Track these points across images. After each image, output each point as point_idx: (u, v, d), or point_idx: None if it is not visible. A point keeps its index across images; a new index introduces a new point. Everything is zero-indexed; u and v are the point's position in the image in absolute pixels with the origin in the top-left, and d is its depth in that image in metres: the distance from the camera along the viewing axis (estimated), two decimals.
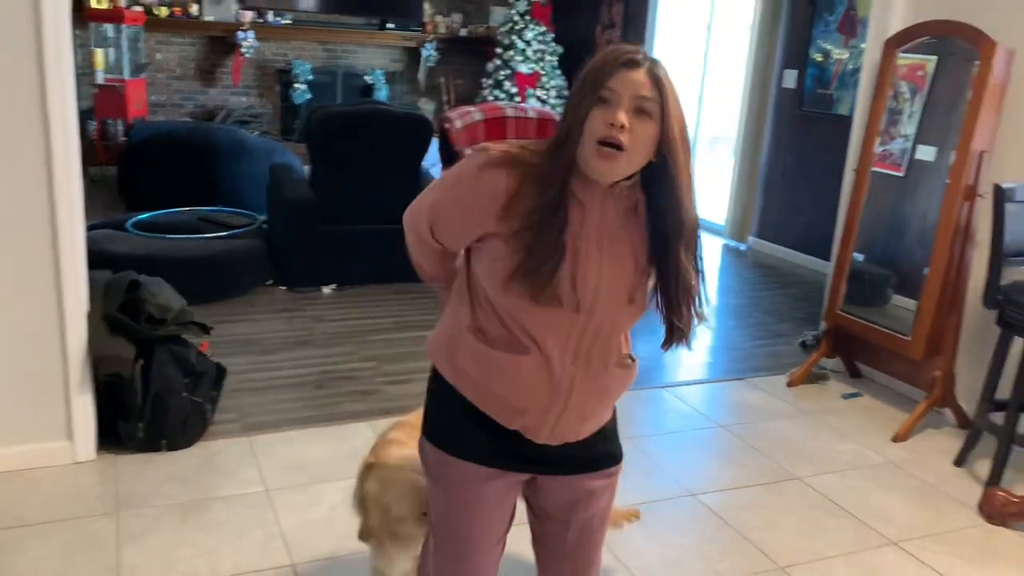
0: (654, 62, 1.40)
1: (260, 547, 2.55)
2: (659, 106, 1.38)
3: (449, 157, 5.26)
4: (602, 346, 1.51)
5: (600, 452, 1.62)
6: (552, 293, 1.42)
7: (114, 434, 3.03)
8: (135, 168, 6.32)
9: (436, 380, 1.60)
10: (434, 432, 1.60)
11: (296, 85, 8.74)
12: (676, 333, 1.51)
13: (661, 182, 1.43)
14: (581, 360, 1.50)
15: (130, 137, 6.76)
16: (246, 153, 6.30)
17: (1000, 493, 2.93)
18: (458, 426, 1.56)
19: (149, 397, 2.97)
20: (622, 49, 1.40)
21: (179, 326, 3.08)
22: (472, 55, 9.12)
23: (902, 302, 3.83)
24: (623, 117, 1.35)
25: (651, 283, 1.51)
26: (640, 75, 1.38)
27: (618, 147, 1.37)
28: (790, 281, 5.76)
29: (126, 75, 7.47)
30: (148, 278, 3.19)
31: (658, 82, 1.38)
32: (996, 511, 2.92)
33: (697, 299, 1.50)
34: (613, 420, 1.66)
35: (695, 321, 1.51)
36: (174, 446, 3.04)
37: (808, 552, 2.70)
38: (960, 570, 2.65)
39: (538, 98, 8.11)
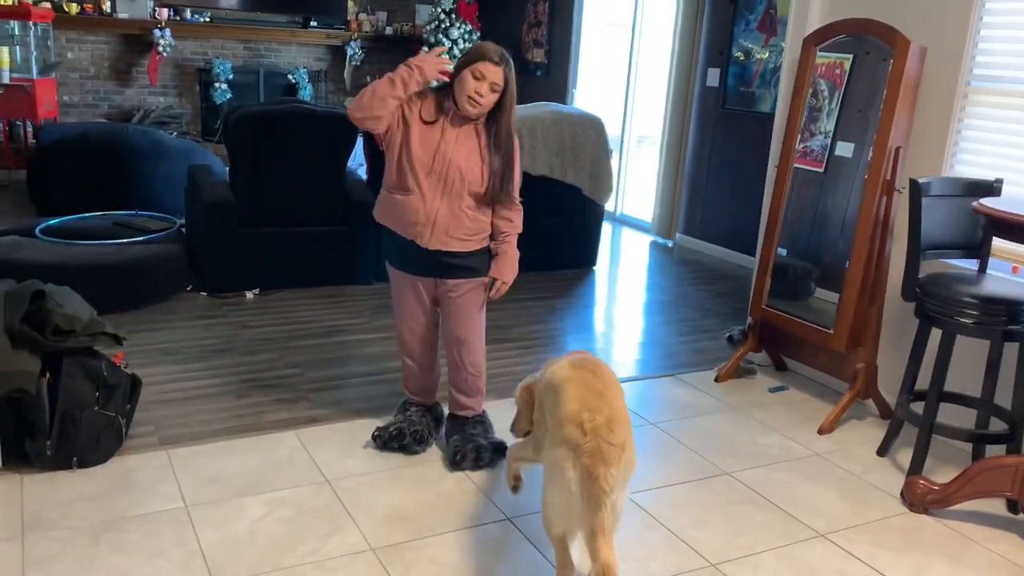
0: (508, 64, 2.79)
1: (179, 567, 2.44)
2: (503, 88, 2.81)
3: (375, 156, 5.16)
4: (456, 192, 2.84)
5: (463, 266, 2.95)
6: (425, 162, 2.83)
7: (21, 452, 2.88)
8: (46, 172, 6.07)
9: (381, 228, 2.99)
10: (387, 256, 3.06)
11: (217, 84, 8.52)
12: (501, 197, 2.90)
13: (499, 118, 2.86)
14: (443, 197, 2.84)
15: (40, 139, 6.48)
16: (164, 154, 6.11)
17: (921, 481, 3.00)
18: (393, 249, 3.00)
19: (57, 413, 2.83)
20: (494, 48, 2.78)
21: (89, 337, 2.93)
22: (398, 53, 9.05)
23: (825, 295, 3.88)
24: (484, 90, 2.78)
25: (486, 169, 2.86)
26: (499, 71, 2.77)
27: (478, 103, 2.79)
28: (716, 276, 5.83)
29: (34, 74, 7.16)
30: (54, 287, 3.03)
31: (506, 75, 2.79)
32: (918, 499, 2.98)
33: (510, 180, 2.90)
34: (481, 258, 2.97)
35: (513, 190, 2.92)
36: (86, 463, 2.90)
37: (738, 548, 2.71)
38: (883, 558, 2.70)
39: None
